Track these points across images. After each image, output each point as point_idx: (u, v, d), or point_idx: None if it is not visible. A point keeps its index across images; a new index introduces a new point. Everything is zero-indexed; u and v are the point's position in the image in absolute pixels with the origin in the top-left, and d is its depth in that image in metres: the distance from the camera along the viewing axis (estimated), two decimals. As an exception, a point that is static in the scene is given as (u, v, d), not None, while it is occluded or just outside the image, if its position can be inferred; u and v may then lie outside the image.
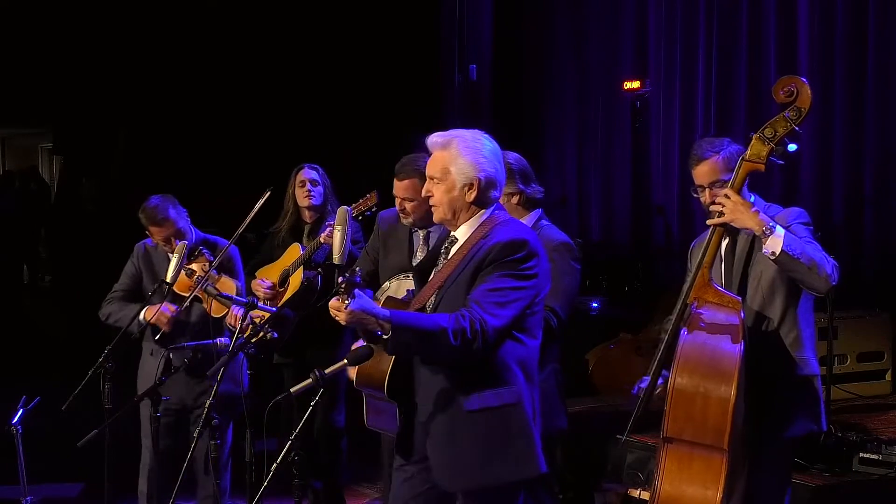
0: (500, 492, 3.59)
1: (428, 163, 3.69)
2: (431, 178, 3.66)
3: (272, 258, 5.96)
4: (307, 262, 5.70)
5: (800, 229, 3.94)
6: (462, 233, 3.66)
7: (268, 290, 5.69)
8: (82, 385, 4.80)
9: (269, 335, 4.36)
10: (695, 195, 4.14)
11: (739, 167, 3.93)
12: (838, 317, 6.61)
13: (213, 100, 12.86)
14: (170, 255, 5.13)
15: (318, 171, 5.94)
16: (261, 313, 4.96)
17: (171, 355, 5.20)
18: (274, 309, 5.21)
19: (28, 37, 13.63)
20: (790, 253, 3.77)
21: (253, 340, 4.34)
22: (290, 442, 3.53)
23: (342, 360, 3.54)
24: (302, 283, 5.57)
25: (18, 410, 4.91)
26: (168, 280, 4.98)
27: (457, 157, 3.61)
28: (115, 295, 5.47)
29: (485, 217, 3.64)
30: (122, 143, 14.15)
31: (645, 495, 5.24)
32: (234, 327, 4.79)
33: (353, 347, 3.64)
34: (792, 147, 3.96)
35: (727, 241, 4.07)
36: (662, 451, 3.82)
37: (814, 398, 4.05)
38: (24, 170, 17.35)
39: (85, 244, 13.31)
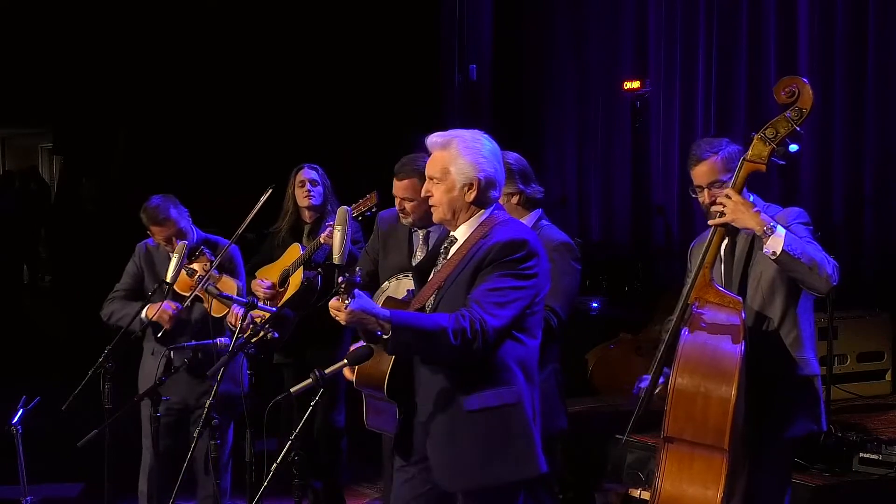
0: (500, 492, 3.59)
1: (427, 163, 3.69)
2: (431, 178, 3.65)
3: (272, 258, 5.96)
4: (307, 262, 5.70)
5: (799, 229, 3.94)
6: (461, 233, 3.66)
7: (268, 290, 5.69)
8: (82, 385, 4.80)
9: (269, 335, 4.36)
10: (693, 195, 4.13)
11: (741, 167, 3.93)
12: (838, 317, 6.61)
13: (213, 100, 12.86)
14: (171, 254, 5.13)
15: (317, 171, 5.94)
16: (261, 313, 4.96)
17: (171, 354, 5.20)
18: (274, 309, 5.20)
19: (28, 37, 13.63)
20: (791, 253, 3.77)
21: (253, 340, 4.34)
22: (290, 442, 3.52)
23: (342, 360, 3.54)
24: (302, 283, 5.57)
25: (18, 410, 4.90)
26: (168, 280, 4.98)
27: (456, 157, 3.61)
28: (116, 294, 5.47)
29: (484, 217, 3.64)
30: (122, 143, 14.15)
31: (645, 495, 5.24)
32: (236, 327, 4.79)
33: (353, 348, 3.64)
34: (793, 147, 3.96)
35: (727, 241, 4.07)
36: (663, 451, 3.82)
37: (814, 398, 4.05)
38: (24, 170, 17.36)
39: (85, 244, 13.32)
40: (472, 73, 12.03)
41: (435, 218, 3.72)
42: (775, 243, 3.78)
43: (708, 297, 3.90)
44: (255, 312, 4.85)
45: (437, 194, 3.64)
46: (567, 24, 11.82)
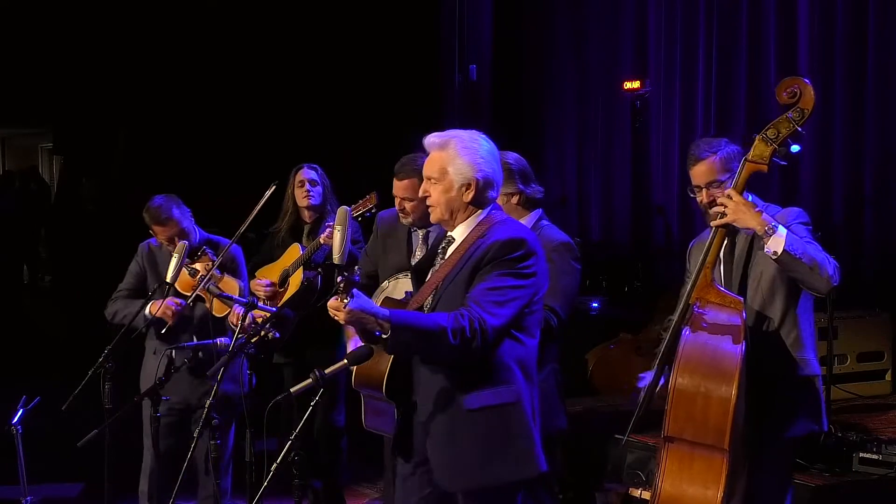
0: (500, 492, 3.59)
1: (425, 163, 3.69)
2: (429, 179, 3.66)
3: (272, 258, 5.96)
4: (307, 263, 5.70)
5: (799, 229, 3.93)
6: (459, 233, 3.66)
7: (268, 290, 5.69)
8: (82, 385, 4.80)
9: (270, 335, 4.36)
10: (692, 195, 4.13)
11: (742, 168, 3.93)
12: (838, 317, 6.61)
13: (213, 100, 12.85)
14: (173, 254, 5.12)
15: (317, 171, 5.94)
16: (262, 313, 4.96)
17: (172, 354, 5.20)
18: (274, 309, 5.21)
19: (28, 37, 13.63)
20: (792, 253, 3.76)
21: (254, 340, 4.34)
22: (290, 442, 3.52)
23: (342, 360, 3.54)
24: (302, 283, 5.58)
25: (18, 410, 4.90)
26: (168, 279, 4.97)
27: (454, 157, 3.61)
28: (120, 294, 5.47)
29: (482, 217, 3.64)
30: (122, 143, 14.14)
31: (646, 495, 5.24)
32: (237, 326, 4.79)
33: (351, 348, 3.63)
34: (795, 148, 3.97)
35: (726, 241, 4.07)
36: (663, 451, 3.82)
37: (814, 398, 4.05)
38: (24, 170, 17.35)
39: (85, 244, 13.31)
40: (472, 73, 12.03)
41: (433, 218, 3.72)
42: (776, 243, 3.78)
43: (709, 298, 3.90)
44: (256, 312, 4.85)
45: (435, 194, 3.64)
46: (567, 24, 11.82)
